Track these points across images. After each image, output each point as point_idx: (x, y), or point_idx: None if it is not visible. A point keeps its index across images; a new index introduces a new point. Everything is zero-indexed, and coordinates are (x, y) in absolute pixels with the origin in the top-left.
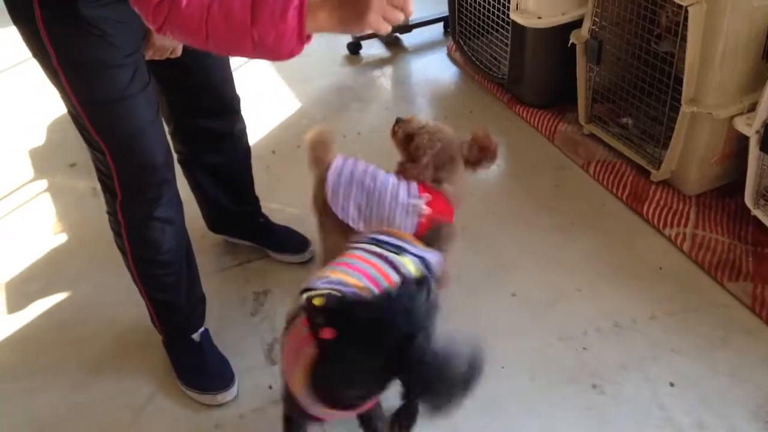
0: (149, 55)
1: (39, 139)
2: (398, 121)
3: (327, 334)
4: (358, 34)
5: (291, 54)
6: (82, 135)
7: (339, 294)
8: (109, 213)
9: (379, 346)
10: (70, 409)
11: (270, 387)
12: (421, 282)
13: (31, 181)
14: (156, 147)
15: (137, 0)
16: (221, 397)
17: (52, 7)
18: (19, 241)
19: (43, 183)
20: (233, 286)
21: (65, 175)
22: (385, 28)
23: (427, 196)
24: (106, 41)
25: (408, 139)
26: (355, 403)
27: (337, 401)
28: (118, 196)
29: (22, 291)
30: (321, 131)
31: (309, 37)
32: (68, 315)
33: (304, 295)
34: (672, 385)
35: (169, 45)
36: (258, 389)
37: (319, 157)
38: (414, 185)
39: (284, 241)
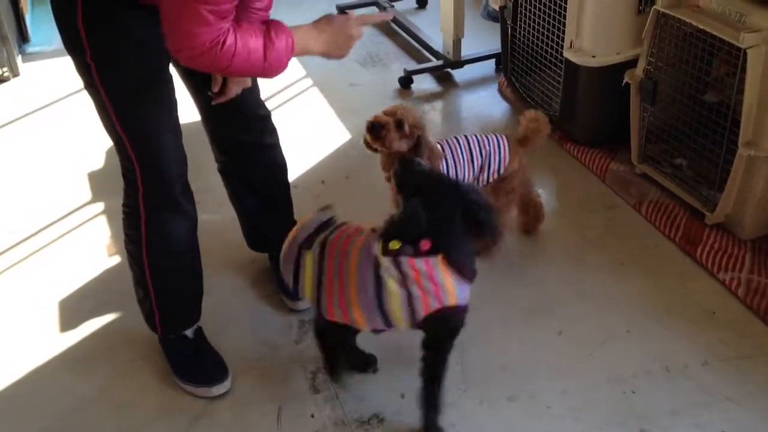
0: (233, 92)
1: (98, 163)
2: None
3: (426, 245)
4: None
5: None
6: (109, 132)
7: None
8: (126, 206)
9: (459, 207)
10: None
11: (312, 416)
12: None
13: (88, 203)
14: (175, 141)
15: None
16: (216, 390)
17: (92, 9)
18: (74, 260)
19: (100, 205)
20: (279, 312)
21: (121, 199)
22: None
23: None
24: (136, 42)
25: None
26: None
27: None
28: (140, 189)
29: (74, 310)
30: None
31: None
32: (117, 337)
33: (381, 253)
34: None
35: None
36: (300, 417)
37: None
38: None
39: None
